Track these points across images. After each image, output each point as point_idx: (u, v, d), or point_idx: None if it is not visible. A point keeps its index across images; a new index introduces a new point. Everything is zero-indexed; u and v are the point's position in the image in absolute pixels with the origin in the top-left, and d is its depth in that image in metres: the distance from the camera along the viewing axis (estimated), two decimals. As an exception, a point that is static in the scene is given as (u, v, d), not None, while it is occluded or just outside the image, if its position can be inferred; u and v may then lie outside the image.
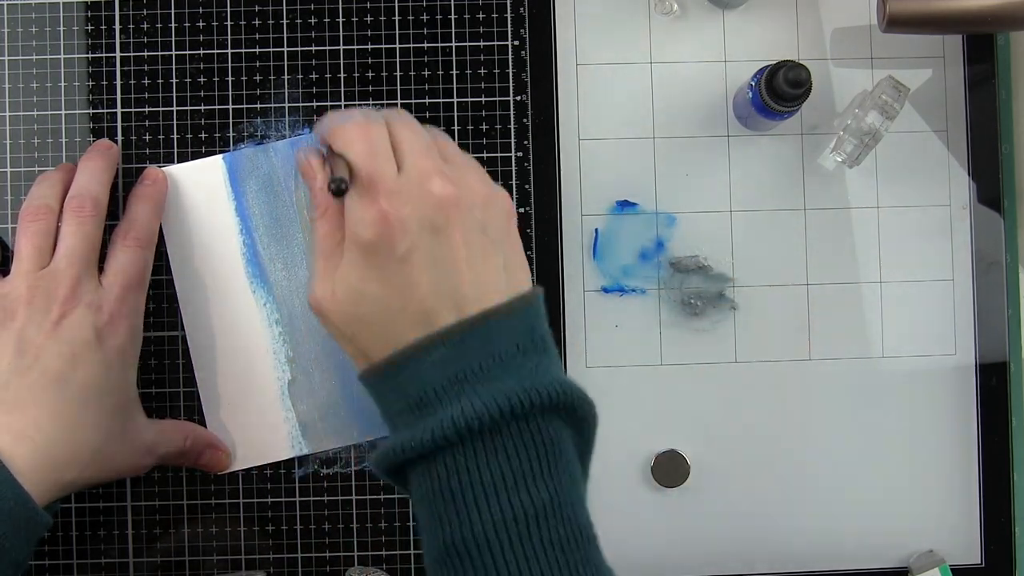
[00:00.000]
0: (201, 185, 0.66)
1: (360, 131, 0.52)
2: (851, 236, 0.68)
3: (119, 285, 0.61)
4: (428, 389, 0.48)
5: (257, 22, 0.67)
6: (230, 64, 0.66)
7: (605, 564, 0.49)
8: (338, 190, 0.49)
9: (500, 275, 0.51)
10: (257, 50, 0.67)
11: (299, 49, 0.67)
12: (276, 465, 0.66)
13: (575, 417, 0.50)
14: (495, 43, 0.67)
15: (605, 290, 0.67)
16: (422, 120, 0.66)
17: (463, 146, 0.67)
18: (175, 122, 0.66)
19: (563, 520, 0.47)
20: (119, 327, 0.60)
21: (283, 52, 0.67)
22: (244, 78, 0.66)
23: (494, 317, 0.49)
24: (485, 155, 0.67)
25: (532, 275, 0.66)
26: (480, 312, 0.49)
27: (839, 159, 0.66)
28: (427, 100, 0.67)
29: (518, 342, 0.49)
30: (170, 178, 0.66)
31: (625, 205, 0.67)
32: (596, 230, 0.67)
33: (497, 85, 0.67)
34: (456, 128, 0.67)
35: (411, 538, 0.66)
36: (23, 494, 0.54)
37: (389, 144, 0.52)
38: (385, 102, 0.67)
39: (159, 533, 0.66)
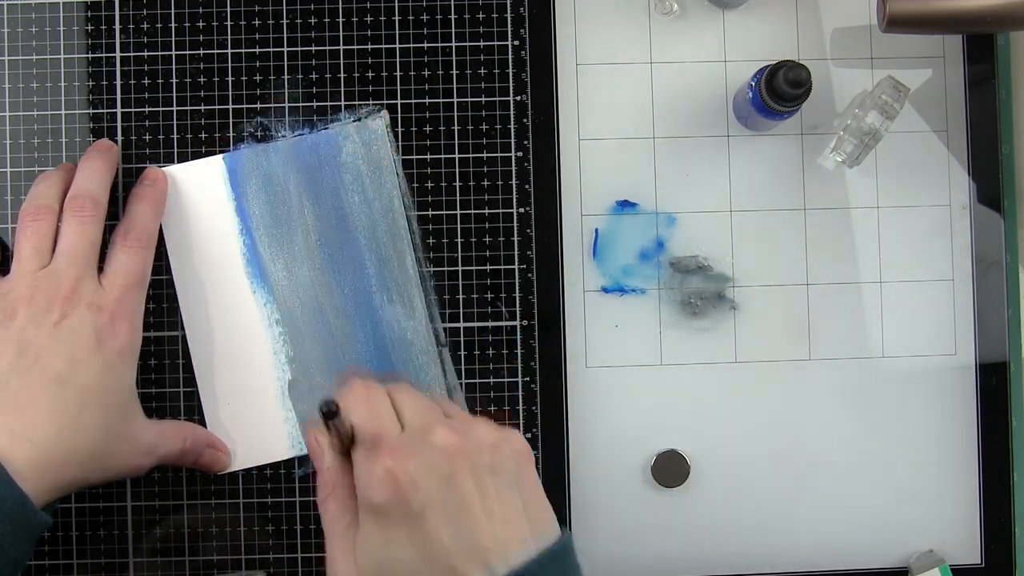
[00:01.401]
0: (201, 185, 0.66)
1: (359, 397, 0.52)
2: (851, 236, 0.68)
3: (119, 285, 0.61)
4: None
5: (257, 22, 0.67)
6: (230, 64, 0.67)
7: None
8: (328, 411, 0.48)
9: (521, 519, 0.50)
10: (257, 50, 0.67)
11: (299, 49, 0.67)
12: (276, 465, 0.66)
13: None
14: (495, 43, 0.67)
15: (605, 290, 0.67)
16: (422, 120, 0.66)
17: (463, 146, 0.67)
18: (175, 122, 0.66)
19: None
20: (119, 327, 0.60)
21: (283, 52, 0.67)
22: (244, 78, 0.66)
23: (526, 572, 0.48)
24: (485, 155, 0.67)
25: (532, 283, 0.66)
26: (509, 572, 0.48)
27: (839, 159, 0.66)
28: (427, 100, 0.67)
29: None
30: (170, 178, 0.66)
31: (625, 205, 0.67)
32: (596, 230, 0.67)
33: (497, 85, 0.67)
34: (456, 128, 0.67)
35: (411, 538, 0.66)
36: (21, 495, 0.54)
37: (391, 407, 0.52)
38: (385, 102, 0.67)
39: (159, 533, 0.66)
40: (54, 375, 0.57)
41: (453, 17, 0.67)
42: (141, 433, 0.61)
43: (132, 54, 0.66)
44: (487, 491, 0.49)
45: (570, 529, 0.51)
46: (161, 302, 0.66)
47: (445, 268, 0.66)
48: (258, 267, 0.66)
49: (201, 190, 0.66)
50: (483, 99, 0.67)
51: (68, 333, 0.58)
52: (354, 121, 0.66)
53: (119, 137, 0.66)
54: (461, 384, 0.66)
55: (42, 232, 0.60)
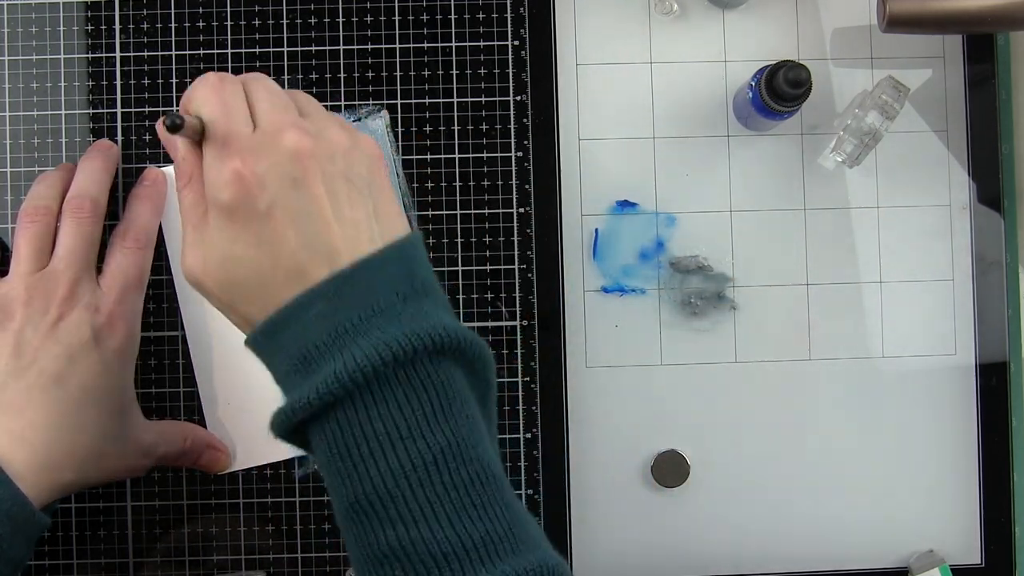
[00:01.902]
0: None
1: (213, 90, 0.50)
2: (851, 236, 0.68)
3: (117, 286, 0.61)
4: (310, 346, 0.47)
5: (257, 22, 0.67)
6: (230, 64, 0.66)
7: (516, 501, 0.47)
8: (173, 125, 0.47)
9: (371, 223, 0.50)
10: (257, 50, 0.67)
11: (299, 49, 0.67)
12: (276, 465, 0.66)
13: (465, 358, 0.48)
14: (495, 43, 0.67)
15: (605, 290, 0.67)
16: (422, 120, 0.66)
17: (463, 146, 0.67)
18: (175, 122, 0.66)
19: (465, 462, 0.46)
20: (117, 328, 0.60)
21: (283, 52, 0.67)
22: (244, 78, 0.66)
23: (368, 266, 0.48)
24: (485, 155, 0.67)
25: (532, 283, 0.66)
26: (353, 262, 0.48)
27: (839, 159, 0.66)
28: (427, 100, 0.67)
29: (397, 289, 0.48)
30: (170, 178, 0.66)
31: (625, 205, 0.67)
32: (596, 230, 0.67)
33: (497, 85, 0.67)
34: (456, 128, 0.67)
35: (411, 538, 0.66)
36: (20, 495, 0.54)
37: (244, 103, 0.50)
38: (385, 102, 0.67)
39: (159, 533, 0.66)
40: (52, 376, 0.57)
41: (453, 17, 0.67)
42: (140, 434, 0.61)
43: (132, 54, 0.66)
44: (338, 196, 0.49)
45: (418, 232, 0.52)
46: (161, 302, 0.66)
47: (445, 268, 0.66)
48: (258, 267, 0.66)
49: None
50: (483, 99, 0.67)
51: (65, 334, 0.58)
52: (354, 121, 0.66)
53: (119, 137, 0.66)
54: (461, 384, 0.66)
55: (40, 233, 0.60)
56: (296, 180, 0.48)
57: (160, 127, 0.50)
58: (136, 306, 0.62)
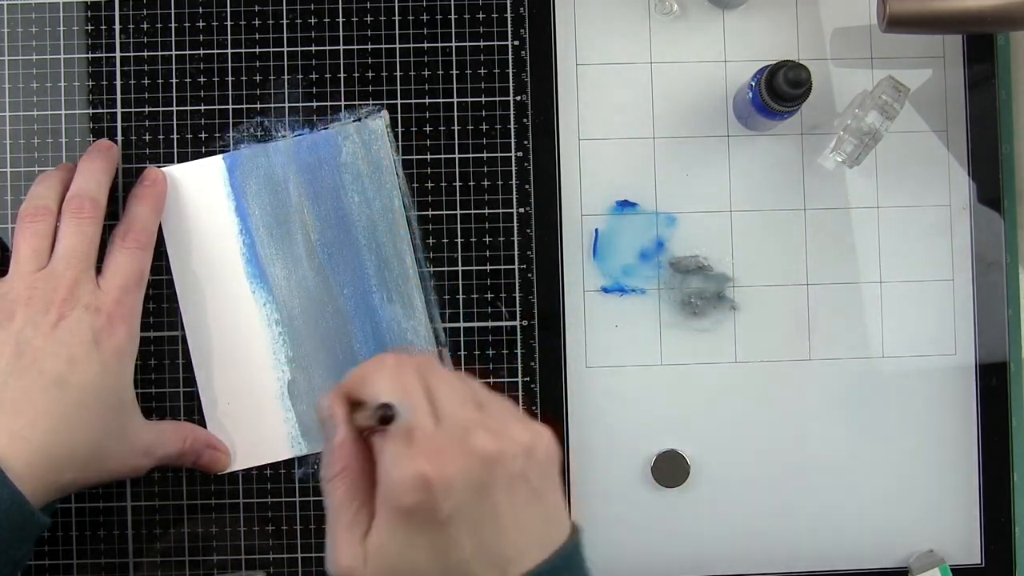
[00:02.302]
0: (201, 185, 0.66)
1: (394, 377, 0.48)
2: (851, 236, 0.68)
3: (117, 287, 0.61)
4: None
5: (257, 22, 0.67)
6: (230, 64, 0.67)
7: None
8: (385, 417, 0.45)
9: (542, 528, 0.48)
10: (257, 50, 0.67)
11: (299, 49, 0.67)
12: (276, 465, 0.66)
13: None
14: (495, 43, 0.67)
15: (605, 290, 0.67)
16: (422, 120, 0.67)
17: (463, 146, 0.67)
18: (175, 122, 0.66)
19: None
20: (117, 329, 0.60)
21: (283, 52, 0.67)
22: (244, 78, 0.66)
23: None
24: (485, 155, 0.67)
25: (532, 283, 0.66)
26: (522, 573, 0.46)
27: (839, 159, 0.66)
28: (427, 100, 0.67)
29: None
30: (170, 178, 0.66)
31: (625, 205, 0.67)
32: (596, 230, 0.67)
33: (497, 85, 0.67)
34: (456, 128, 0.67)
35: (411, 538, 0.66)
36: (19, 495, 0.54)
37: (423, 394, 0.48)
38: (385, 102, 0.67)
39: (159, 533, 0.66)
40: (52, 376, 0.57)
41: (453, 17, 0.67)
42: (139, 434, 0.61)
43: (132, 54, 0.66)
44: (516, 500, 0.47)
45: (577, 526, 0.50)
46: (161, 302, 0.66)
47: (445, 268, 0.66)
48: (257, 267, 0.66)
49: (201, 190, 0.66)
50: (483, 99, 0.67)
51: (66, 334, 0.58)
52: (354, 121, 0.66)
53: (119, 137, 0.66)
54: (461, 384, 0.66)
55: (40, 233, 0.60)
56: (481, 487, 0.46)
57: (327, 405, 0.48)
58: (136, 306, 0.62)
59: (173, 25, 0.66)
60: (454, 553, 0.46)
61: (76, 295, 0.59)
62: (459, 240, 0.66)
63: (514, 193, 0.67)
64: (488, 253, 0.67)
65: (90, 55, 0.66)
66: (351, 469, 0.48)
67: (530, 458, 0.47)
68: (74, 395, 0.57)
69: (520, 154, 0.67)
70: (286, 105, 0.66)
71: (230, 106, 0.66)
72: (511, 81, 0.67)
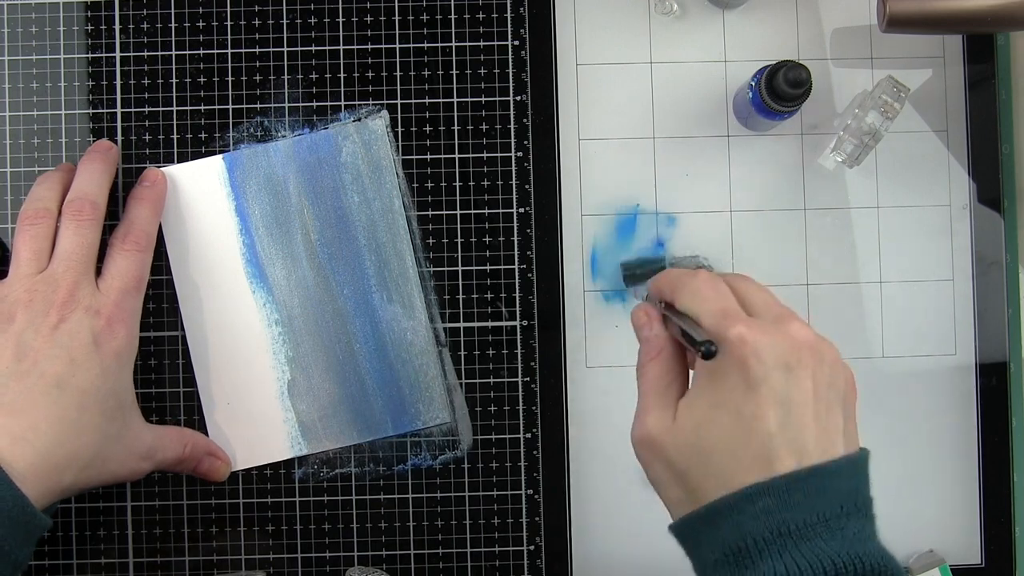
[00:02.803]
0: (201, 185, 0.66)
1: (707, 285, 0.51)
2: (851, 236, 0.68)
3: (116, 289, 0.61)
4: (748, 539, 0.46)
5: (257, 22, 0.67)
6: (230, 64, 0.67)
7: None
8: (708, 353, 0.47)
9: (839, 435, 0.49)
10: (257, 50, 0.67)
11: (299, 49, 0.67)
12: (276, 465, 0.66)
13: None
14: (495, 43, 0.67)
15: (606, 297, 0.67)
16: (422, 120, 0.66)
17: (463, 146, 0.67)
18: (175, 122, 0.66)
19: None
20: (116, 331, 0.60)
21: (283, 52, 0.67)
22: (244, 78, 0.66)
23: (825, 473, 0.47)
24: (485, 155, 0.67)
25: (532, 283, 0.66)
26: (811, 466, 0.47)
27: (839, 159, 0.66)
28: (427, 100, 0.67)
29: (843, 503, 0.47)
30: (170, 178, 0.66)
31: (624, 216, 0.67)
32: (593, 250, 0.67)
33: (497, 85, 0.67)
34: (456, 128, 0.67)
35: (411, 538, 0.66)
36: (21, 497, 0.54)
37: (735, 300, 0.51)
38: (385, 102, 0.67)
39: (159, 533, 0.66)
40: (52, 378, 0.57)
41: (453, 17, 0.67)
42: (140, 436, 0.61)
43: (132, 54, 0.66)
44: (821, 399, 0.48)
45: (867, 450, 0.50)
46: (161, 302, 0.66)
47: (445, 268, 0.66)
48: (257, 267, 0.66)
49: (200, 190, 0.66)
50: (483, 99, 0.67)
51: (66, 337, 0.58)
52: (354, 121, 0.66)
53: (119, 137, 0.66)
54: (461, 384, 0.66)
55: (40, 235, 0.60)
56: (790, 366, 0.48)
57: (640, 312, 0.53)
58: (136, 308, 0.62)
59: (173, 25, 0.66)
60: (759, 423, 0.47)
61: (76, 297, 0.59)
62: (459, 240, 0.66)
63: (514, 193, 0.67)
64: (488, 253, 0.67)
65: (90, 55, 0.66)
66: (665, 353, 0.52)
67: (835, 369, 0.49)
68: (74, 397, 0.57)
69: (520, 154, 0.67)
70: (286, 105, 0.66)
71: (230, 106, 0.66)
72: (511, 81, 0.67)
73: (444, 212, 0.67)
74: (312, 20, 0.67)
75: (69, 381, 0.57)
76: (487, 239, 0.67)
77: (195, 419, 0.66)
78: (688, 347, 0.50)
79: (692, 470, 0.49)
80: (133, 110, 0.66)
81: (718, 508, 0.47)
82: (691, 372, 0.52)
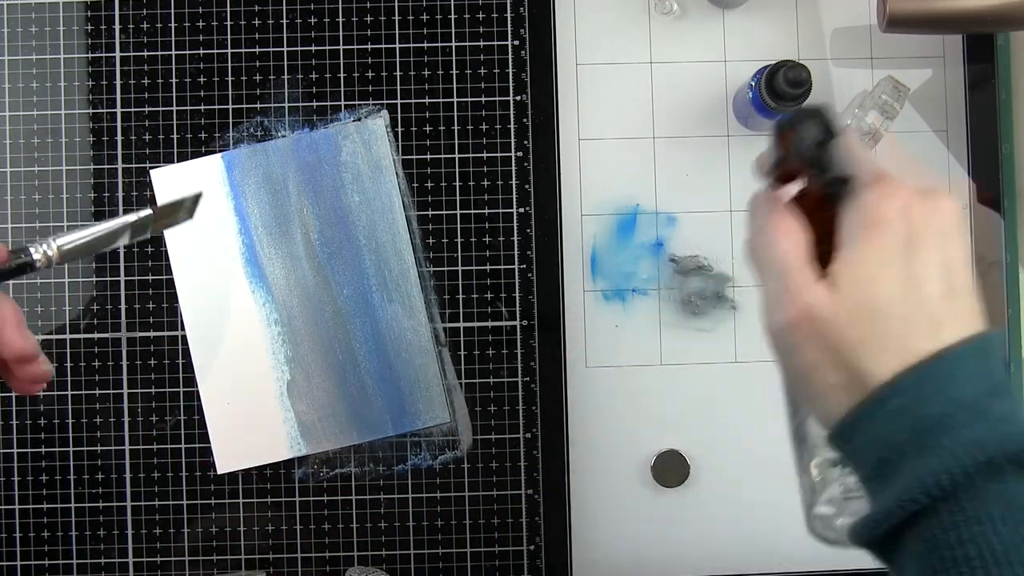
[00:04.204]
0: (200, 184, 0.66)
1: (861, 147, 0.47)
2: (851, 236, 0.68)
3: None
4: (945, 409, 0.42)
5: (257, 22, 0.67)
6: (230, 64, 0.67)
7: None
8: (833, 183, 0.45)
9: (977, 310, 0.45)
10: (257, 50, 0.67)
11: (299, 49, 0.67)
12: (276, 465, 0.66)
13: None
14: (495, 43, 0.67)
15: (606, 297, 0.67)
16: (422, 120, 0.66)
17: (463, 146, 0.67)
18: (175, 122, 0.66)
19: None
20: None
21: (283, 52, 0.67)
22: (244, 78, 0.66)
23: (988, 344, 0.44)
24: (485, 155, 0.67)
25: (532, 283, 0.66)
26: (979, 334, 0.43)
27: (839, 159, 0.65)
28: (427, 100, 0.67)
29: (999, 379, 0.44)
30: (169, 177, 0.66)
31: (624, 217, 0.67)
32: (593, 250, 0.67)
33: (497, 85, 0.67)
34: (456, 128, 0.67)
35: (411, 538, 0.66)
36: None
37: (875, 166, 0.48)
38: (385, 102, 0.67)
39: (159, 533, 0.66)
40: None
41: (453, 17, 0.67)
42: None
43: (132, 54, 0.66)
44: (966, 270, 0.45)
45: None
46: (161, 302, 0.66)
47: (445, 268, 0.66)
48: (257, 266, 0.66)
49: (200, 189, 0.66)
50: (483, 99, 0.67)
51: None
52: (354, 121, 0.66)
53: (119, 137, 0.66)
54: (461, 384, 0.66)
55: None
56: (943, 235, 0.45)
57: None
58: None
59: (173, 25, 0.66)
60: (924, 287, 0.44)
61: None
62: (459, 240, 0.66)
63: (514, 193, 0.67)
64: (488, 253, 0.67)
65: (90, 55, 0.66)
66: (797, 224, 0.47)
67: (966, 250, 0.46)
68: None
69: (520, 154, 0.67)
70: (286, 105, 0.66)
71: (230, 106, 0.66)
72: (511, 81, 0.67)
73: (444, 212, 0.67)
74: (312, 20, 0.67)
75: None
76: (487, 239, 0.67)
77: (195, 419, 0.66)
78: (835, 189, 0.46)
79: (866, 339, 0.44)
80: (133, 110, 0.66)
81: (895, 383, 0.43)
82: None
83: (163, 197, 0.65)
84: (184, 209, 0.50)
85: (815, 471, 0.55)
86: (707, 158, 0.68)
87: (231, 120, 0.66)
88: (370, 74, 0.67)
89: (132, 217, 0.48)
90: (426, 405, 0.66)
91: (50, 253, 0.47)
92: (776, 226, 0.48)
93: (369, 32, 0.67)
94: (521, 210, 0.67)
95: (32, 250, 0.46)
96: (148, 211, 0.48)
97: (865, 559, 0.69)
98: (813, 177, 0.47)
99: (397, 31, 0.67)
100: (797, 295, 0.45)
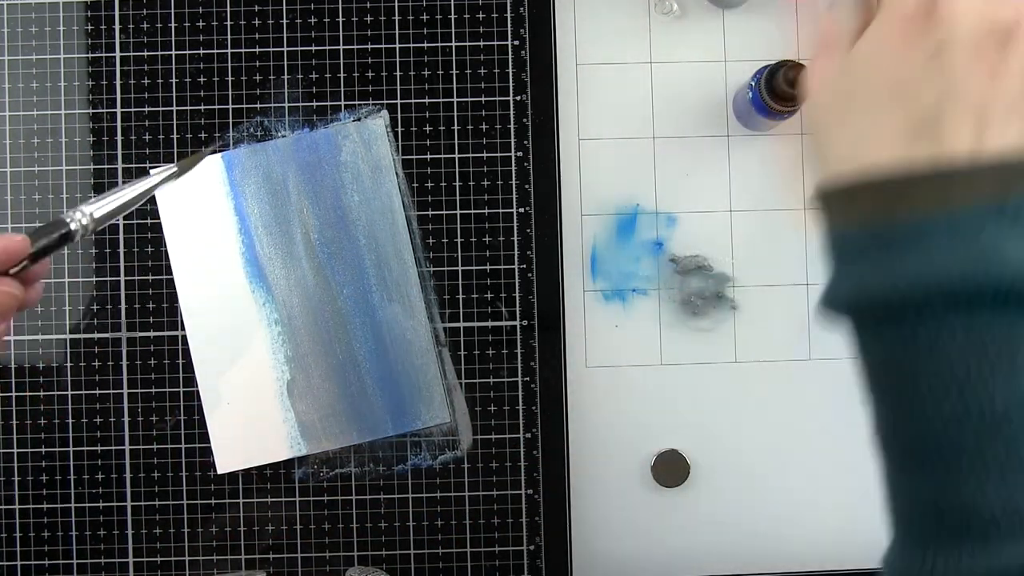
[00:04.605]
0: (199, 184, 0.66)
1: None
2: (851, 236, 0.68)
3: None
4: (921, 220, 0.39)
5: (257, 22, 0.67)
6: (230, 64, 0.67)
7: None
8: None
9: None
10: (257, 50, 0.67)
11: (299, 49, 0.67)
12: (276, 465, 0.66)
13: None
14: (495, 43, 0.67)
15: (606, 297, 0.67)
16: (422, 120, 0.67)
17: (463, 146, 0.67)
18: (175, 122, 0.66)
19: None
20: None
21: (283, 52, 0.67)
22: (244, 78, 0.66)
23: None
24: (485, 155, 0.67)
25: (532, 283, 0.66)
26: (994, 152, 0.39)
27: (839, 159, 0.66)
28: (427, 100, 0.67)
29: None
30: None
31: (624, 216, 0.67)
32: (593, 250, 0.67)
33: (497, 85, 0.67)
34: (456, 128, 0.67)
35: (411, 538, 0.66)
36: None
37: None
38: (385, 102, 0.67)
39: (159, 533, 0.66)
40: None
41: (453, 17, 0.67)
42: None
43: (132, 54, 0.66)
44: (1018, 84, 0.40)
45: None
46: (161, 302, 0.66)
47: (445, 268, 0.66)
48: (256, 266, 0.66)
49: (200, 189, 0.66)
50: (483, 99, 0.67)
51: None
52: (354, 121, 0.66)
53: (119, 137, 0.66)
54: (461, 384, 0.66)
55: None
56: (997, 36, 0.40)
57: None
58: None
59: (173, 25, 0.66)
60: (947, 74, 0.40)
61: None
62: (459, 240, 0.66)
63: (514, 193, 0.67)
64: (488, 253, 0.67)
65: (90, 55, 0.66)
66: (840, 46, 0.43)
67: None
68: None
69: (520, 154, 0.67)
70: (286, 105, 0.66)
71: (230, 106, 0.66)
72: (511, 81, 0.67)
73: (444, 212, 0.67)
74: (312, 20, 0.67)
75: None
76: (487, 239, 0.67)
77: (195, 419, 0.66)
78: None
79: (861, 110, 0.42)
80: (133, 110, 0.66)
81: (894, 178, 0.40)
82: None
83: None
84: (202, 156, 0.53)
85: None
86: (707, 158, 0.68)
87: (231, 120, 0.66)
88: (370, 74, 0.67)
89: (158, 178, 0.51)
90: (426, 405, 0.66)
91: (84, 221, 0.47)
92: (827, 43, 0.44)
93: (369, 32, 0.67)
94: (521, 210, 0.67)
95: (68, 219, 0.47)
96: (173, 167, 0.51)
97: (865, 559, 0.69)
98: None
99: (397, 31, 0.67)
100: (824, 59, 0.43)
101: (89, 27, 0.66)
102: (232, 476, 0.66)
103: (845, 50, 0.44)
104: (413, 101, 0.67)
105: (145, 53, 0.66)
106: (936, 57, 0.41)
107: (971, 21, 0.41)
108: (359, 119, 0.66)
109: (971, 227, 0.39)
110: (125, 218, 0.66)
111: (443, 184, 0.67)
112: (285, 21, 0.67)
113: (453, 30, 0.67)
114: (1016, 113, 0.41)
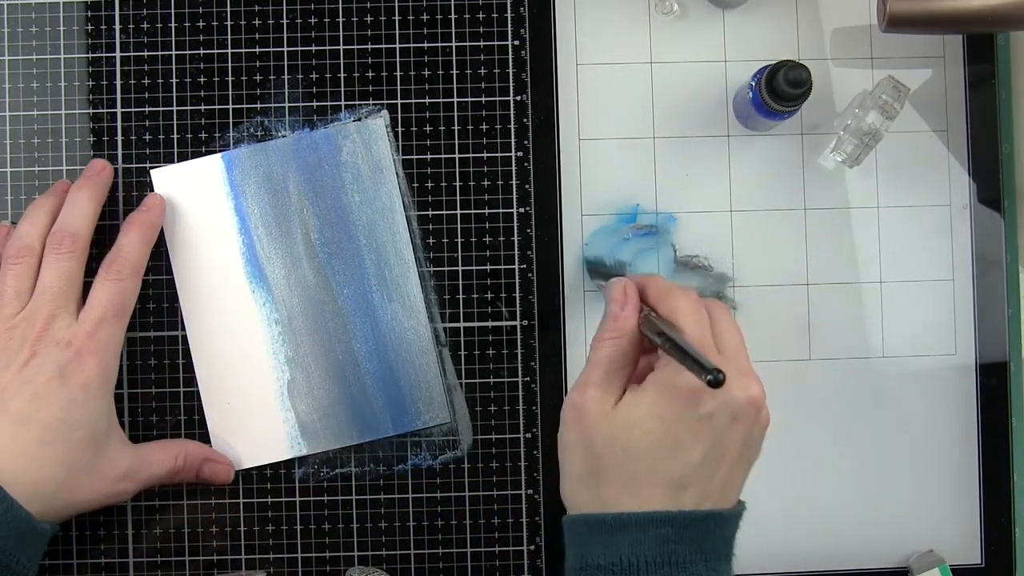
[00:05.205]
0: (200, 184, 0.66)
1: (694, 308, 0.54)
2: (851, 236, 0.68)
3: (93, 319, 0.60)
4: (642, 558, 0.51)
5: (257, 22, 0.67)
6: (230, 64, 0.67)
7: None
8: (716, 382, 0.48)
9: (738, 489, 0.55)
10: (257, 50, 0.67)
11: (299, 49, 0.67)
12: (276, 465, 0.66)
13: None
14: (495, 43, 0.67)
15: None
16: (422, 120, 0.67)
17: (463, 146, 0.67)
18: (175, 122, 0.66)
19: None
20: (85, 362, 0.59)
21: (283, 52, 0.67)
22: (244, 78, 0.66)
23: (720, 519, 0.53)
24: (485, 155, 0.67)
25: (532, 283, 0.67)
26: (712, 510, 0.52)
27: (839, 159, 0.66)
28: (427, 100, 0.67)
29: (723, 548, 0.53)
30: (169, 177, 0.66)
31: (624, 218, 0.67)
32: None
33: (497, 85, 0.67)
34: (456, 128, 0.67)
35: (411, 538, 0.66)
36: (18, 508, 0.55)
37: (711, 335, 0.54)
38: (385, 102, 0.67)
39: (159, 533, 0.66)
40: (15, 416, 0.57)
41: (453, 17, 0.67)
42: (115, 462, 0.60)
43: (132, 54, 0.66)
44: (742, 454, 0.54)
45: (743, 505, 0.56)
46: (161, 302, 0.66)
47: (445, 268, 0.66)
48: (257, 266, 0.66)
49: (200, 189, 0.66)
50: (483, 99, 0.67)
51: (32, 371, 0.58)
52: (354, 121, 0.66)
53: (119, 137, 0.66)
54: (461, 384, 0.66)
55: (21, 275, 0.60)
56: (736, 417, 0.52)
57: (620, 288, 0.56)
58: (111, 338, 0.61)
59: (173, 25, 0.66)
60: (684, 453, 0.52)
61: (50, 331, 0.59)
62: (459, 240, 0.66)
63: (514, 193, 0.67)
64: (488, 253, 0.67)
65: (90, 55, 0.66)
66: (627, 339, 0.55)
67: (760, 427, 0.54)
68: (36, 432, 0.57)
69: (520, 154, 0.67)
70: (286, 105, 0.66)
71: (230, 106, 0.66)
72: (511, 81, 0.67)
73: (444, 212, 0.67)
74: (312, 20, 0.67)
75: (31, 416, 0.57)
76: (487, 239, 0.67)
77: (195, 419, 0.66)
78: (684, 364, 0.51)
79: (607, 468, 0.53)
80: (133, 110, 0.66)
81: (626, 520, 0.51)
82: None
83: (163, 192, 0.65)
84: None
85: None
86: (707, 158, 0.68)
87: (231, 120, 0.66)
88: (370, 74, 0.67)
89: None
90: (426, 405, 0.66)
91: None
92: (613, 329, 0.55)
93: (369, 32, 0.67)
94: (521, 210, 0.67)
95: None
96: None
97: (865, 559, 0.70)
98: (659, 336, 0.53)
99: (397, 31, 0.67)
100: (587, 389, 0.54)
101: (89, 27, 0.66)
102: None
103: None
104: (413, 101, 0.67)
105: (145, 53, 0.66)
106: (692, 428, 0.53)
107: (725, 412, 0.53)
108: (359, 119, 0.66)
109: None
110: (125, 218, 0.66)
111: (443, 184, 0.67)
112: (285, 21, 0.67)
113: (453, 30, 0.67)
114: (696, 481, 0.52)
